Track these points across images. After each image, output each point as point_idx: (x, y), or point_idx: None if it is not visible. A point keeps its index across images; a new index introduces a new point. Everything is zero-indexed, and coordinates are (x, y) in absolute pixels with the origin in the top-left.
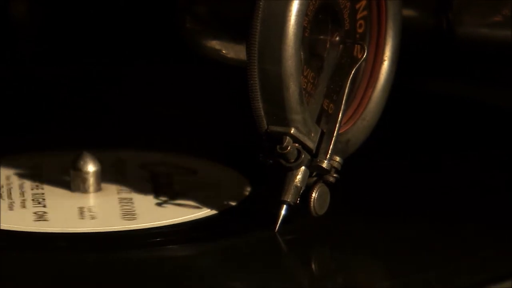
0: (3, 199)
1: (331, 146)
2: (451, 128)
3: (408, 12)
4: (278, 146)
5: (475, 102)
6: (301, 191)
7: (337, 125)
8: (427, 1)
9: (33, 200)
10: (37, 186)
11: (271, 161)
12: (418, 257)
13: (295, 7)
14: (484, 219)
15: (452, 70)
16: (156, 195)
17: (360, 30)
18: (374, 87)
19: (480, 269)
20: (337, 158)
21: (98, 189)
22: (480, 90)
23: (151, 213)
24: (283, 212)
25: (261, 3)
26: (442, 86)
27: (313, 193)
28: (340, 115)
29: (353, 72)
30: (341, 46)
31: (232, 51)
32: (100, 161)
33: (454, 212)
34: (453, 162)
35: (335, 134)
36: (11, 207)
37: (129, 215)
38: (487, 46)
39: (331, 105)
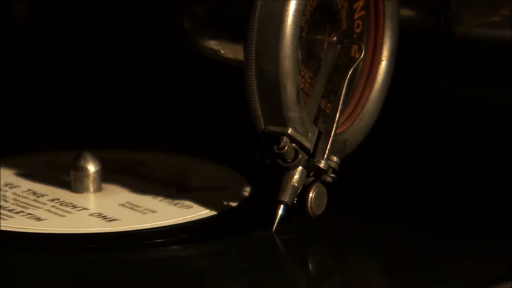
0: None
1: (329, 146)
2: (449, 127)
3: (406, 12)
4: (275, 146)
5: (473, 101)
6: (299, 191)
7: (335, 125)
8: (425, 1)
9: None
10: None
11: (268, 161)
12: (416, 257)
13: (292, 7)
14: (484, 219)
15: (450, 70)
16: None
17: (357, 30)
18: (371, 87)
19: (480, 269)
20: (335, 158)
21: (98, 189)
22: (478, 90)
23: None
24: (280, 212)
25: (258, 3)
26: (440, 86)
27: (310, 193)
28: (337, 115)
29: (350, 72)
30: (338, 46)
31: (229, 51)
32: (100, 161)
33: (454, 212)
34: (452, 162)
35: (332, 134)
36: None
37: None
38: (485, 45)
39: (329, 105)
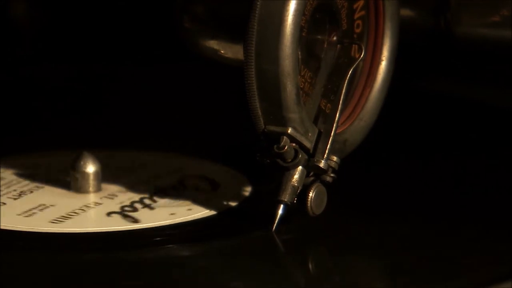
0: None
1: (328, 146)
2: (449, 127)
3: (406, 12)
4: (275, 146)
5: (473, 101)
6: (298, 191)
7: (335, 125)
8: (425, 1)
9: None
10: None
11: (268, 161)
12: (416, 257)
13: (292, 6)
14: (484, 219)
15: (450, 70)
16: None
17: (357, 30)
18: (371, 87)
19: (480, 269)
20: (335, 158)
21: (98, 189)
22: (478, 90)
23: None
24: (280, 211)
25: (258, 3)
26: (440, 86)
27: (310, 192)
28: (337, 115)
29: (350, 72)
30: (338, 46)
31: (229, 50)
32: (100, 161)
33: (454, 212)
34: (452, 162)
35: (332, 134)
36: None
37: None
38: (485, 45)
39: (329, 105)
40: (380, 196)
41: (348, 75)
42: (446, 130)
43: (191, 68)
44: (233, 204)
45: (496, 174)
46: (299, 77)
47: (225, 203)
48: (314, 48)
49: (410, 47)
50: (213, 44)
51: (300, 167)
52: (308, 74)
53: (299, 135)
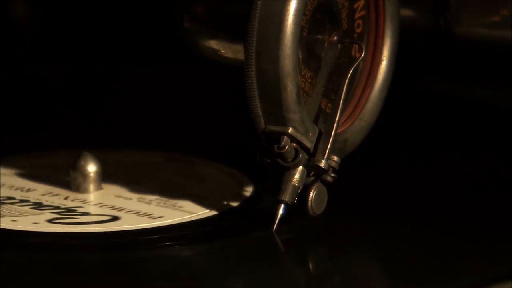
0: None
1: (329, 145)
2: (449, 127)
3: (406, 12)
4: (275, 146)
5: (473, 101)
6: (299, 191)
7: (335, 125)
8: (425, 1)
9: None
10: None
11: (268, 161)
12: (416, 257)
13: (293, 6)
14: (484, 219)
15: (450, 70)
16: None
17: (358, 30)
18: (372, 86)
19: (480, 269)
20: (335, 158)
21: (99, 189)
22: (478, 90)
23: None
24: (280, 211)
25: (259, 3)
26: (440, 86)
27: (311, 192)
28: (338, 114)
29: (351, 71)
30: (339, 45)
31: (230, 50)
32: (100, 161)
33: (454, 212)
34: (452, 162)
35: (332, 134)
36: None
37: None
38: (485, 45)
39: (329, 104)
40: (380, 196)
41: (349, 75)
42: (446, 130)
43: (191, 68)
44: (233, 204)
45: (496, 174)
46: (299, 77)
47: (225, 203)
48: (315, 48)
49: (410, 47)
50: (213, 44)
51: (300, 167)
52: (309, 74)
53: (300, 135)
